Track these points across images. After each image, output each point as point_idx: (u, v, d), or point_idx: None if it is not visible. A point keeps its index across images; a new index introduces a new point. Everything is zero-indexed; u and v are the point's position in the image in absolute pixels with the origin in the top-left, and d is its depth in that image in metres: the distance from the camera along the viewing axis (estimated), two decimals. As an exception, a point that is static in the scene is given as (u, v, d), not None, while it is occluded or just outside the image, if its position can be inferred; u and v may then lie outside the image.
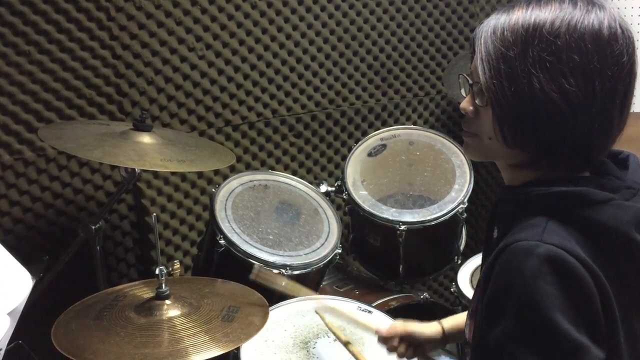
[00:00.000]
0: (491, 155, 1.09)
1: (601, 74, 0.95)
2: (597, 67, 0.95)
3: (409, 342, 1.48)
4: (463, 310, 2.11)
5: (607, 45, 0.96)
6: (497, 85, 0.99)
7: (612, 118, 0.99)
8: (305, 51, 2.43)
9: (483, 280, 1.03)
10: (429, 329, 1.46)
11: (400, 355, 1.48)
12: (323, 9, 2.42)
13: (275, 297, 1.74)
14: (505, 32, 0.98)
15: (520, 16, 0.98)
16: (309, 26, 2.41)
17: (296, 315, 1.75)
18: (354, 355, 1.52)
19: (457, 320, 1.46)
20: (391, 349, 1.49)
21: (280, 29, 2.36)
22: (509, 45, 0.97)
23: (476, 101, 1.05)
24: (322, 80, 2.50)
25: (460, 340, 1.53)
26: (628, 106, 1.01)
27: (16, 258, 1.27)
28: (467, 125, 1.10)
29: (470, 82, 1.06)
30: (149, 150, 1.70)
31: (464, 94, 1.11)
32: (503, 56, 0.98)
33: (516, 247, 0.95)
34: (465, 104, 1.08)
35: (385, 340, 1.50)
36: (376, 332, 1.51)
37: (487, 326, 0.99)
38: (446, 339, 1.46)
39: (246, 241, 1.89)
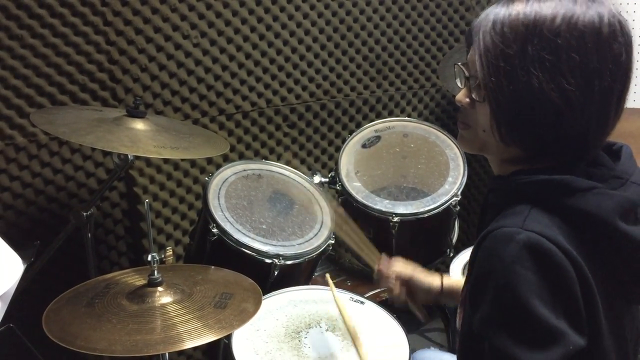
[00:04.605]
0: (485, 148, 1.09)
1: (600, 74, 0.95)
2: (597, 67, 0.95)
3: (406, 285, 1.49)
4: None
5: (607, 43, 0.95)
6: (496, 82, 0.98)
7: (608, 115, 0.99)
8: (300, 41, 2.42)
9: (469, 268, 1.04)
10: (429, 279, 1.49)
11: (394, 295, 1.50)
12: (319, -1, 2.42)
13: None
14: (505, 28, 0.97)
15: (520, 11, 0.97)
16: (305, 16, 2.40)
17: (288, 305, 1.75)
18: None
19: (457, 281, 1.48)
20: (386, 286, 1.51)
21: (276, 18, 2.34)
22: (508, 42, 0.96)
23: (473, 95, 1.04)
24: (317, 71, 2.49)
25: (451, 303, 1.54)
26: (623, 103, 1.01)
27: (7, 243, 1.26)
28: (463, 117, 1.10)
29: (467, 74, 1.05)
30: (142, 137, 1.69)
31: (459, 84, 1.10)
32: (502, 53, 0.97)
33: (497, 233, 0.96)
34: (461, 96, 1.08)
35: (383, 275, 1.51)
36: (377, 267, 1.53)
37: (471, 312, 1.00)
38: (441, 294, 1.47)
39: (239, 230, 1.88)
